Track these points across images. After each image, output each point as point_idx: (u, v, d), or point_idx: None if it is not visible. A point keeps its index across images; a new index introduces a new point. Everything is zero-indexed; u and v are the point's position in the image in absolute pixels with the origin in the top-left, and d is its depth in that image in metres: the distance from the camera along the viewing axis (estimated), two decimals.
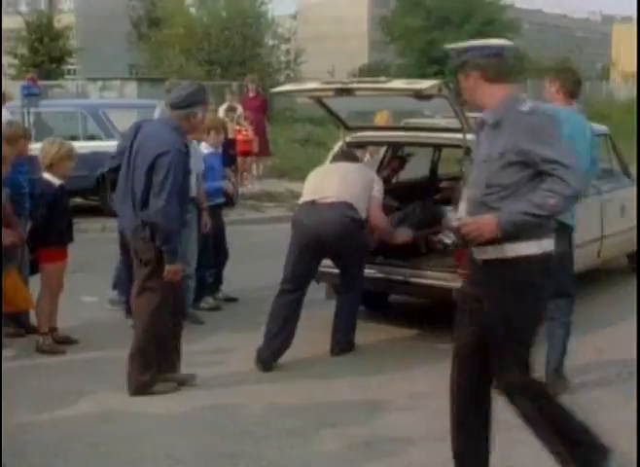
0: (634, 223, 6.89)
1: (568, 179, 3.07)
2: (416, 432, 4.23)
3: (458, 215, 3.33)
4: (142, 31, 30.69)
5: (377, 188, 5.47)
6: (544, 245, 3.22)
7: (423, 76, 29.87)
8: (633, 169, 7.63)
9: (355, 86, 5.51)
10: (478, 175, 3.29)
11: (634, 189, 7.08)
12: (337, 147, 6.32)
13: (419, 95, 5.05)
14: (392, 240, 5.73)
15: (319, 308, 6.53)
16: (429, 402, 4.62)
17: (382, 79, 5.67)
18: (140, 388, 4.60)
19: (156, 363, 4.65)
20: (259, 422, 4.39)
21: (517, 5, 43.73)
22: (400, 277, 5.63)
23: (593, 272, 6.56)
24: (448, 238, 2.99)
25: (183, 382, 4.79)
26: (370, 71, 45.05)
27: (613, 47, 70.31)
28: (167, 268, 4.46)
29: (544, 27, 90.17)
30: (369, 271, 5.70)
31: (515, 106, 3.21)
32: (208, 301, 6.58)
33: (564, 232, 4.42)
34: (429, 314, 6.20)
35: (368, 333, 5.97)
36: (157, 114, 8.07)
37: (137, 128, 4.68)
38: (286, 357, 5.42)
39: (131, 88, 21.28)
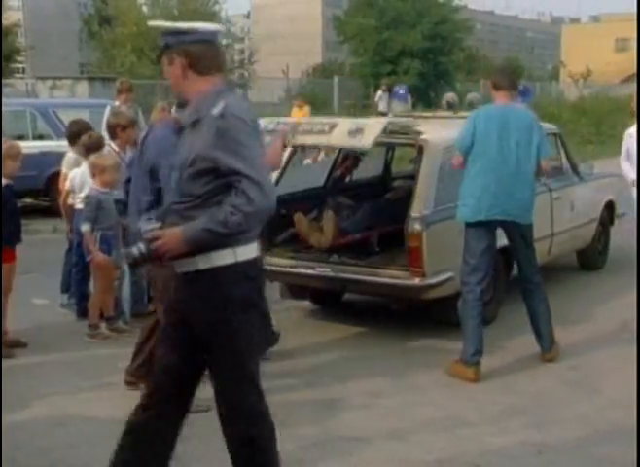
0: (583, 220, 7.03)
1: (251, 194, 2.72)
2: (370, 431, 4.23)
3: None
4: (93, 30, 30.31)
5: None
6: (240, 253, 2.87)
7: (377, 75, 30.08)
8: (612, 166, 7.76)
9: (299, 142, 5.44)
10: (172, 181, 2.93)
11: (583, 187, 7.20)
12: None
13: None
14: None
15: (273, 306, 6.52)
16: (383, 400, 4.65)
17: (326, 128, 5.48)
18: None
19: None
20: (210, 423, 4.33)
21: (470, 6, 44.22)
22: (354, 276, 5.64)
23: (543, 270, 6.65)
24: (137, 250, 2.64)
25: None
26: (324, 70, 45.16)
27: (562, 48, 71.65)
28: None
29: (495, 28, 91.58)
30: (323, 270, 5.71)
31: (211, 105, 2.82)
32: None
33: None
34: (383, 313, 6.22)
35: (322, 332, 5.99)
36: (106, 113, 7.98)
37: (147, 132, 4.65)
38: None
39: (83, 87, 20.98)
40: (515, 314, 6.15)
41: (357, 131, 5.26)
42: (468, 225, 5.04)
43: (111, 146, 6.06)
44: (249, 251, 2.91)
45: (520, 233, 5.17)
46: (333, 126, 5.41)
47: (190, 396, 3.20)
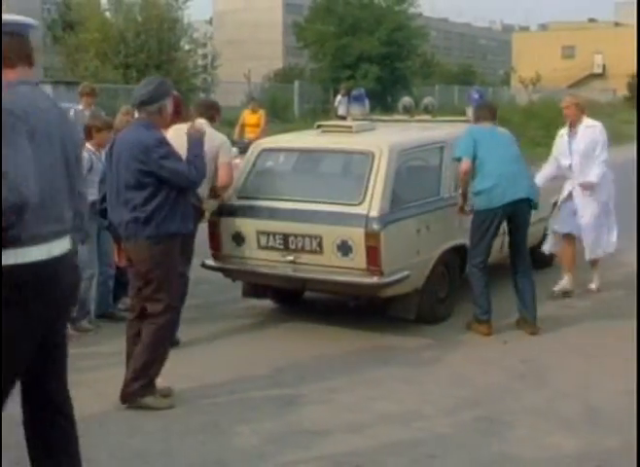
0: (533, 219, 7.19)
1: None
2: (330, 425, 4.33)
3: None
4: (57, 34, 30.01)
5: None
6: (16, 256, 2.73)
7: (336, 80, 30.27)
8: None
9: None
10: None
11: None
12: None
13: None
14: None
15: (235, 305, 6.64)
16: (341, 396, 4.75)
17: None
18: (130, 398, 4.50)
19: (152, 377, 4.55)
20: (172, 419, 4.42)
21: (425, 14, 44.70)
22: (313, 275, 5.75)
23: (495, 268, 6.83)
24: None
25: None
26: (284, 75, 45.26)
27: (513, 54, 72.85)
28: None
29: (450, 35, 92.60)
30: (284, 270, 5.82)
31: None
32: (125, 301, 6.53)
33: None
34: (342, 311, 6.34)
35: (282, 329, 6.09)
36: (71, 116, 8.01)
37: (112, 145, 4.70)
38: (200, 354, 5.49)
39: (46, 91, 20.77)
40: (469, 312, 6.32)
41: None
42: (480, 213, 5.93)
43: (87, 146, 6.11)
44: (23, 256, 2.75)
45: (527, 211, 6.03)
46: None
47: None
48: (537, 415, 4.46)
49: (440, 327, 6.05)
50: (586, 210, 6.74)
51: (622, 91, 52.75)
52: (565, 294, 6.82)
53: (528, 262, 6.10)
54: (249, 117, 13.65)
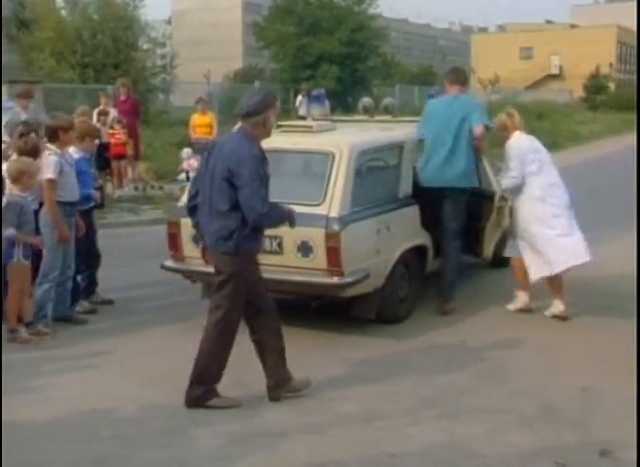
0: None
1: None
2: (292, 426, 4.33)
3: None
4: (11, 33, 29.53)
5: None
6: None
7: (296, 80, 30.25)
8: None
9: None
10: None
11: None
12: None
13: None
14: None
15: (195, 307, 6.57)
16: (304, 396, 4.75)
17: None
18: (194, 401, 4.55)
19: (214, 378, 4.62)
20: (133, 424, 4.39)
21: (385, 14, 44.94)
22: (273, 276, 5.73)
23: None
24: None
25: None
26: (245, 75, 45.13)
27: (472, 55, 73.64)
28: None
29: (409, 36, 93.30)
30: None
31: None
32: (83, 304, 6.50)
33: None
34: (303, 311, 6.32)
35: (242, 331, 6.03)
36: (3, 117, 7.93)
37: (212, 148, 4.64)
38: (162, 356, 5.44)
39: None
40: (429, 311, 6.38)
41: None
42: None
43: (52, 149, 6.01)
44: None
45: (453, 198, 6.31)
46: None
47: None
48: (496, 413, 4.51)
49: (400, 326, 6.08)
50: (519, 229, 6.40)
51: (579, 92, 53.61)
52: (523, 310, 6.44)
53: (453, 245, 6.38)
54: (200, 118, 13.55)
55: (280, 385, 4.68)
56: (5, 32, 25.89)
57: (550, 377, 5.07)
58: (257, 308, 4.69)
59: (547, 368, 5.23)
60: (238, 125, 4.72)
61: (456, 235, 6.42)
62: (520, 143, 6.38)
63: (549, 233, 6.17)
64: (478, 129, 6.30)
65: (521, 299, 6.45)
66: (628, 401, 4.63)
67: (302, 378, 4.78)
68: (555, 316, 6.27)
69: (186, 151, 13.41)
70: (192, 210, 4.79)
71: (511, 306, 6.46)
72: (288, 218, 4.63)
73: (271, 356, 4.68)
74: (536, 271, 6.24)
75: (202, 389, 4.57)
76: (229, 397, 4.64)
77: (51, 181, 5.89)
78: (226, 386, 4.91)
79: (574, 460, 3.94)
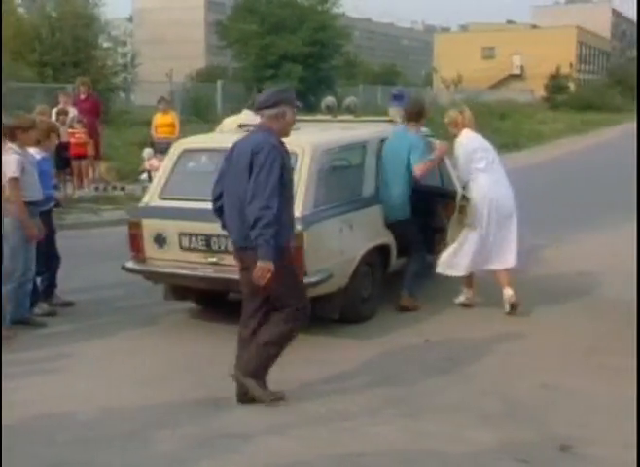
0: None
1: None
2: (254, 428, 4.30)
3: None
4: None
5: None
6: None
7: (259, 79, 30.18)
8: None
9: None
10: None
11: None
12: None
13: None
14: None
15: (157, 308, 6.54)
16: None
17: None
18: (246, 396, 4.57)
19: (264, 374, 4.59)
20: (92, 427, 4.32)
21: (348, 13, 45.00)
22: (236, 276, 5.70)
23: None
24: None
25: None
26: (207, 74, 44.90)
27: (434, 55, 74.21)
28: (259, 264, 4.26)
29: (373, 35, 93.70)
30: (206, 271, 5.76)
31: None
32: (42, 306, 6.41)
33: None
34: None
35: (206, 332, 6.02)
36: None
37: (233, 147, 4.61)
38: (123, 359, 5.38)
39: None
40: (392, 311, 6.40)
41: None
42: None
43: (13, 148, 5.91)
44: None
45: (400, 228, 6.41)
46: None
47: None
48: (459, 412, 4.53)
49: (364, 326, 6.08)
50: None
51: (540, 92, 54.28)
52: (465, 306, 6.62)
53: (417, 253, 6.57)
54: (161, 118, 13.45)
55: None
56: None
57: (511, 374, 5.11)
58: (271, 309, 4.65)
59: (509, 366, 5.27)
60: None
61: (419, 247, 6.60)
62: (468, 140, 6.46)
63: (482, 233, 6.37)
64: (417, 170, 6.38)
65: (466, 294, 6.65)
66: (587, 397, 4.71)
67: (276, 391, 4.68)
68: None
69: (147, 151, 13.30)
70: (218, 212, 4.75)
71: (456, 300, 6.66)
72: (269, 249, 4.30)
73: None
74: (466, 267, 6.46)
75: (254, 383, 4.54)
76: (275, 391, 4.60)
77: (14, 180, 5.79)
78: (186, 388, 4.89)
79: (535, 456, 3.97)
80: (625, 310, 6.38)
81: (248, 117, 7.79)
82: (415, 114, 6.70)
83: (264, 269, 4.28)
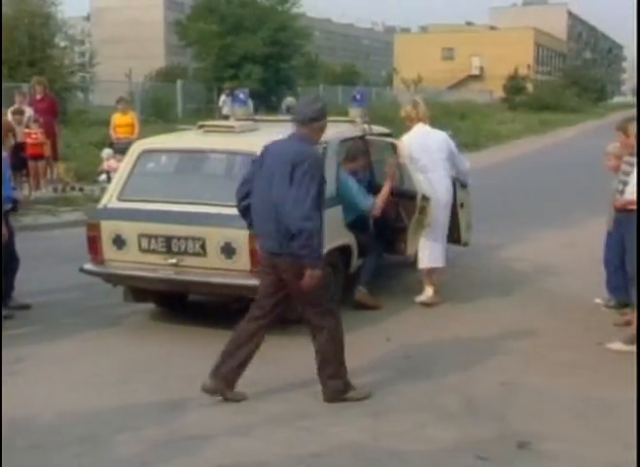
0: None
1: None
2: (214, 428, 4.29)
3: None
4: None
5: None
6: None
7: (220, 79, 30.01)
8: None
9: None
10: None
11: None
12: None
13: None
14: None
15: (116, 309, 6.48)
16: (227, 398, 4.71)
17: None
18: (335, 395, 4.64)
19: (345, 370, 4.69)
20: (50, 432, 4.26)
21: (308, 14, 45.02)
22: (195, 278, 5.69)
23: (382, 267, 6.97)
24: None
25: None
26: (167, 74, 44.56)
27: (395, 55, 74.66)
28: (309, 273, 4.39)
29: (333, 35, 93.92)
30: (166, 273, 5.72)
31: None
32: None
33: None
34: (226, 312, 6.27)
35: (165, 333, 5.98)
36: None
37: (264, 151, 4.68)
38: (81, 361, 5.33)
39: None
40: (353, 310, 6.41)
41: None
42: None
43: None
44: None
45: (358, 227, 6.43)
46: None
47: None
48: (419, 410, 4.57)
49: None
50: None
51: (499, 93, 54.90)
52: (427, 305, 6.69)
53: (372, 252, 6.64)
54: (120, 118, 13.33)
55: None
56: None
57: (471, 372, 5.16)
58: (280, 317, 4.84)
59: (468, 364, 5.32)
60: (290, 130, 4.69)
61: (375, 246, 6.71)
62: (409, 140, 6.60)
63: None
64: (376, 212, 6.49)
65: (427, 293, 6.74)
66: (545, 394, 4.78)
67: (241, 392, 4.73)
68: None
69: (106, 151, 13.17)
70: (245, 211, 4.79)
71: (417, 299, 6.74)
72: (315, 253, 4.43)
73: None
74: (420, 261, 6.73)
75: (341, 383, 4.65)
76: (361, 389, 4.73)
77: None
78: (146, 389, 4.86)
79: (494, 453, 4.01)
80: (584, 307, 6.51)
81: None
82: (352, 157, 6.72)
83: (313, 277, 4.42)
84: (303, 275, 4.43)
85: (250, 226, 4.85)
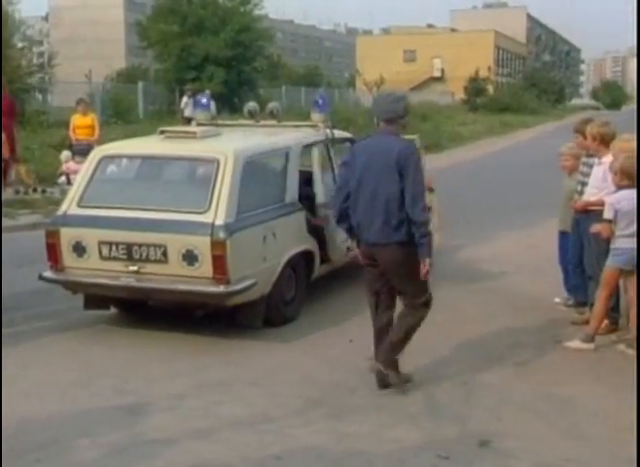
0: None
1: None
2: (176, 432, 4.27)
3: None
4: None
5: None
6: None
7: (181, 81, 29.83)
8: None
9: None
10: None
11: None
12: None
13: None
14: None
15: (76, 314, 6.40)
16: (188, 401, 4.70)
17: None
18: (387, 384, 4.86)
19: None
20: (7, 438, 4.18)
21: (270, 15, 44.95)
22: (158, 285, 5.64)
23: (344, 269, 7.00)
24: None
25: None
26: (128, 75, 44.18)
27: (357, 57, 74.90)
28: (428, 261, 4.64)
29: (295, 37, 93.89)
30: (127, 280, 5.67)
31: None
32: None
33: None
34: (188, 315, 6.25)
35: (126, 337, 5.93)
36: None
37: (355, 151, 4.92)
38: (39, 367, 5.27)
39: None
40: (317, 312, 6.43)
41: None
42: None
43: None
44: None
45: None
46: None
47: None
48: (380, 411, 4.59)
49: (287, 328, 6.10)
50: None
51: (460, 94, 55.35)
52: None
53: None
54: (80, 120, 13.19)
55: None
56: None
57: (433, 372, 5.20)
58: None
59: (431, 364, 5.36)
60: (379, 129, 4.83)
61: None
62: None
63: None
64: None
65: None
66: (505, 393, 4.84)
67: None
68: None
69: (65, 153, 13.02)
70: (345, 214, 4.89)
71: None
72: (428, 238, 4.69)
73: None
74: None
75: (395, 373, 4.85)
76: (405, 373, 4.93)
77: None
78: (107, 394, 4.82)
79: (456, 452, 4.06)
80: (544, 307, 6.60)
81: None
82: None
83: (429, 264, 4.67)
84: (403, 264, 4.68)
85: (350, 231, 4.96)
